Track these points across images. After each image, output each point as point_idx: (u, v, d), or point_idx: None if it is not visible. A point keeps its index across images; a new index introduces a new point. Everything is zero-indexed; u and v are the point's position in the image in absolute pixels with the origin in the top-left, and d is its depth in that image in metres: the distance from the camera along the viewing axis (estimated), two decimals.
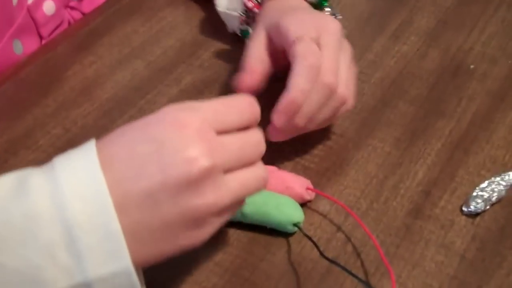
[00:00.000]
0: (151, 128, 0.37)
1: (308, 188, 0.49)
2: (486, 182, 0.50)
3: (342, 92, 0.49)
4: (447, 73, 0.61)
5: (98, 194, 0.34)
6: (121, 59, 0.63)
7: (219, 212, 0.37)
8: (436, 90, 0.59)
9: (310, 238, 0.46)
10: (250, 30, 0.59)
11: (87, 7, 0.72)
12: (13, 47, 0.64)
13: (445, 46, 0.64)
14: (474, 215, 0.48)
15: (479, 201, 0.49)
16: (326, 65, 0.48)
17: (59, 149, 0.54)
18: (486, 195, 0.49)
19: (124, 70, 0.62)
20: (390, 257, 0.46)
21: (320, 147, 0.54)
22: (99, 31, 0.67)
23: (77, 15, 0.72)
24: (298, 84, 0.47)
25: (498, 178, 0.50)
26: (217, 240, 0.47)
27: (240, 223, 0.48)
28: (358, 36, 0.65)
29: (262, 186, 0.41)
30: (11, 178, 0.36)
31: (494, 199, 0.49)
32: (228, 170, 0.38)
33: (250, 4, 0.58)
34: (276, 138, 0.50)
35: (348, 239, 0.47)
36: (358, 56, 0.63)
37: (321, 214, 0.49)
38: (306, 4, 0.57)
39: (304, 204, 0.49)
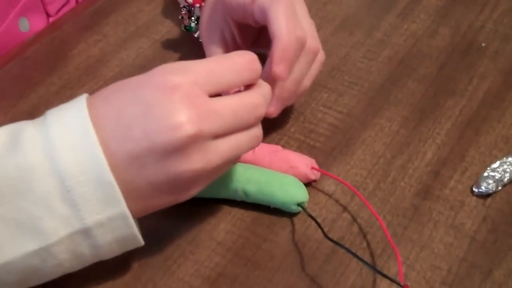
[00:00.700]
0: (141, 91, 0.35)
1: (313, 168, 0.46)
2: (498, 162, 0.47)
3: (312, 44, 0.45)
4: (458, 52, 0.57)
5: (89, 146, 0.34)
6: (126, 38, 0.60)
7: (208, 175, 0.36)
8: (446, 68, 0.56)
9: (314, 219, 0.42)
10: (193, 25, 0.56)
11: None
12: (19, 25, 0.62)
13: (456, 24, 0.60)
14: (485, 196, 0.45)
15: (490, 181, 0.45)
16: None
17: None
18: (497, 175, 0.45)
19: (129, 49, 0.59)
20: (397, 239, 0.43)
21: (326, 126, 0.51)
22: (105, 10, 0.64)
23: None
24: (283, 28, 0.42)
25: (510, 158, 0.47)
26: (219, 219, 0.45)
27: (243, 203, 0.45)
28: (365, 14, 0.61)
29: (255, 145, 0.39)
30: (4, 133, 0.36)
31: (506, 179, 0.45)
32: (219, 135, 0.36)
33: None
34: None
35: (354, 219, 0.44)
36: (366, 35, 0.59)
37: (326, 194, 0.46)
38: None
39: (309, 184, 0.46)
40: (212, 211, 0.45)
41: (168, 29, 0.61)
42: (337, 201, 0.46)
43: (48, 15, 0.65)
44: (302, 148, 0.49)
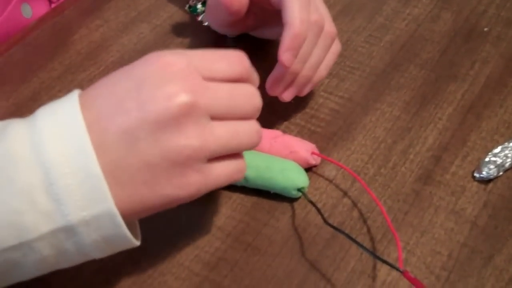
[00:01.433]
0: (134, 69, 0.34)
1: (313, 153, 0.44)
2: (499, 147, 0.45)
3: (329, 28, 0.44)
4: (460, 36, 0.55)
5: (77, 136, 0.31)
6: (127, 23, 0.59)
7: (205, 160, 0.33)
8: (448, 53, 0.54)
9: (314, 204, 0.41)
10: (199, 6, 0.54)
11: None
12: (21, 11, 0.60)
13: (458, 8, 0.58)
14: (486, 181, 0.44)
15: (491, 166, 0.44)
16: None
17: None
18: (499, 160, 0.44)
19: (130, 34, 0.58)
20: (397, 224, 0.42)
21: (327, 111, 0.49)
22: None
23: None
24: (296, 16, 0.42)
25: (511, 144, 0.45)
26: (219, 204, 0.44)
27: (243, 188, 0.44)
28: None
29: (254, 141, 0.36)
30: None
31: (507, 165, 0.44)
32: (215, 115, 0.34)
33: None
34: (274, 91, 0.45)
35: (354, 204, 0.43)
36: (368, 19, 0.57)
37: (326, 179, 0.45)
38: None
39: (309, 169, 0.45)
40: (212, 196, 0.44)
41: (170, 14, 0.59)
42: (337, 186, 0.44)
43: (50, 1, 0.63)
44: (303, 133, 0.48)
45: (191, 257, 0.41)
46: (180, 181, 0.33)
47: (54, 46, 0.57)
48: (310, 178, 0.44)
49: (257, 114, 0.36)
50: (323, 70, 0.46)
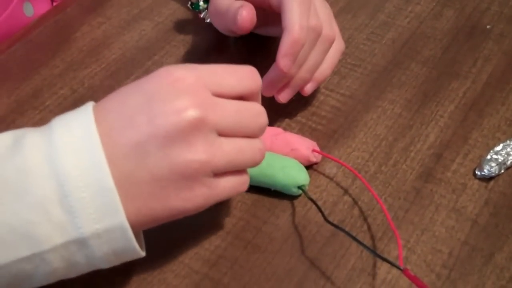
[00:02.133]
0: (145, 83, 0.34)
1: (314, 150, 0.44)
2: (501, 145, 0.45)
3: (327, 32, 0.44)
4: (462, 34, 0.55)
5: (91, 149, 0.31)
6: (129, 20, 0.59)
7: (212, 174, 0.34)
8: (450, 50, 0.54)
9: (314, 202, 0.41)
10: (201, 3, 0.54)
11: None
12: (23, 10, 0.60)
13: (460, 5, 0.58)
14: (487, 179, 0.43)
15: (493, 164, 0.43)
16: None
17: (66, 109, 0.50)
18: (500, 158, 0.44)
19: (132, 31, 0.57)
20: (398, 222, 0.41)
21: (328, 108, 0.49)
22: None
23: None
24: (295, 22, 0.42)
25: None
26: (220, 202, 0.43)
27: None
28: None
29: (257, 160, 0.36)
30: (8, 136, 0.34)
31: (509, 162, 0.44)
32: (222, 132, 0.34)
33: None
34: (269, 93, 0.45)
35: (355, 202, 0.43)
36: (370, 17, 0.57)
37: (327, 177, 0.44)
38: None
39: (310, 167, 0.45)
40: None
41: (172, 12, 0.59)
42: (338, 184, 0.44)
43: (52, 0, 0.63)
44: (304, 130, 0.48)
45: (191, 255, 0.40)
46: (187, 194, 0.33)
47: (56, 44, 0.57)
48: (310, 176, 0.44)
49: (262, 133, 0.37)
50: (327, 69, 0.47)
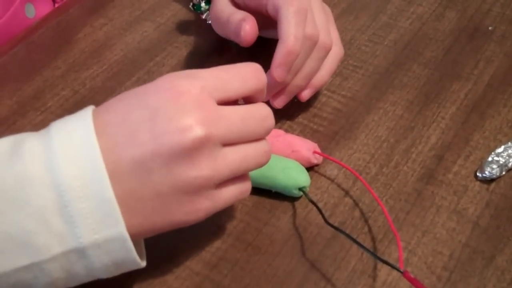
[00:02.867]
0: (148, 96, 0.33)
1: (315, 152, 0.44)
2: (502, 147, 0.45)
3: (324, 40, 0.44)
4: (464, 35, 0.55)
5: (92, 159, 0.31)
6: (131, 22, 0.59)
7: (215, 187, 0.34)
8: (452, 52, 0.53)
9: (315, 204, 0.41)
10: (203, 4, 0.54)
11: None
12: (25, 11, 0.60)
13: (463, 7, 0.58)
14: (489, 181, 0.43)
15: (494, 166, 0.43)
16: None
17: (67, 110, 0.51)
18: (502, 160, 0.44)
19: (134, 32, 0.58)
20: (399, 224, 0.41)
21: (329, 110, 0.49)
22: None
23: None
24: (291, 32, 0.42)
25: None
26: None
27: None
28: None
29: (263, 162, 0.36)
30: (7, 142, 0.33)
31: (510, 164, 0.44)
32: (227, 142, 0.34)
33: None
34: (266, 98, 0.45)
35: (356, 204, 0.43)
36: (372, 18, 0.57)
37: (328, 178, 0.44)
38: None
39: (311, 168, 0.45)
40: None
41: (174, 13, 0.59)
42: (339, 185, 0.44)
43: (54, 1, 0.63)
44: (305, 132, 0.48)
45: (191, 257, 0.41)
46: (190, 208, 0.33)
47: (58, 45, 0.57)
48: (311, 177, 0.44)
49: (268, 134, 0.36)
50: (325, 76, 0.47)
